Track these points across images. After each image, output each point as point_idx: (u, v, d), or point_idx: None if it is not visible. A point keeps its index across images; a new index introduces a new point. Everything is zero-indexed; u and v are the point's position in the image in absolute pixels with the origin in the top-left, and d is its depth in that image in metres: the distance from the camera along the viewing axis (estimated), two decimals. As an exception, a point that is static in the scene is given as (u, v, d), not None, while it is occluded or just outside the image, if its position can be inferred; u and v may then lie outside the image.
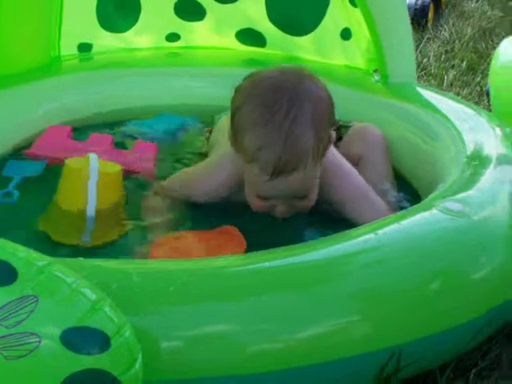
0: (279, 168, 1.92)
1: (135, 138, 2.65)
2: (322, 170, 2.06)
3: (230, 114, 2.05)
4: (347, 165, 2.20)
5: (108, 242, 2.08)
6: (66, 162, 2.18)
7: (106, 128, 2.75)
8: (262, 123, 1.93)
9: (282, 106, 1.93)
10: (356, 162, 2.30)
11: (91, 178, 2.10)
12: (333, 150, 2.17)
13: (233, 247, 1.94)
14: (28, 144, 2.57)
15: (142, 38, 3.06)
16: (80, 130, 2.69)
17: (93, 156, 2.16)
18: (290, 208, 2.07)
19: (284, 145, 1.91)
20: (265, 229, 2.14)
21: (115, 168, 2.21)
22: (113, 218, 2.15)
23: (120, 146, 2.60)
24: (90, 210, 2.09)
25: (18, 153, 2.54)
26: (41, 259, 1.37)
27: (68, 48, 2.99)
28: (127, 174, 2.35)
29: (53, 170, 2.32)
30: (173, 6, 2.99)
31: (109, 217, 2.14)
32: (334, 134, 2.06)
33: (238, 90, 2.05)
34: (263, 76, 2.03)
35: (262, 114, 1.94)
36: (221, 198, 2.21)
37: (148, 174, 2.42)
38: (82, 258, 1.65)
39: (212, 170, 2.24)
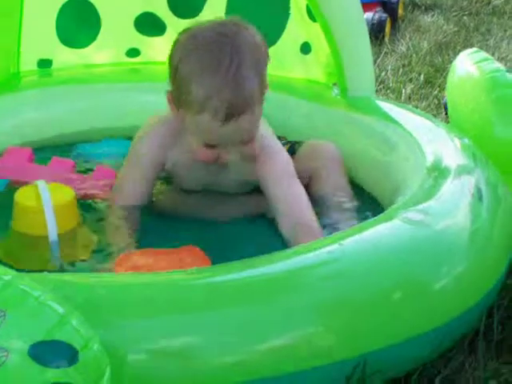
0: (230, 112, 1.99)
1: (96, 163, 2.60)
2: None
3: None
4: (278, 144, 2.27)
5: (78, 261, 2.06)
6: (16, 197, 2.12)
7: (63, 148, 2.74)
8: (207, 72, 2.01)
9: (226, 55, 2.01)
10: (310, 175, 2.33)
11: (45, 207, 2.04)
12: (268, 129, 2.27)
13: (197, 265, 1.94)
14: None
15: (102, 53, 3.05)
16: (41, 150, 2.67)
17: (41, 185, 2.10)
18: (235, 155, 2.12)
19: (232, 90, 1.99)
20: (228, 246, 2.16)
21: (68, 194, 2.16)
22: (76, 241, 2.14)
23: (80, 170, 2.56)
24: (52, 236, 2.05)
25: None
26: (6, 273, 1.37)
27: (28, 64, 2.98)
28: (86, 199, 2.35)
29: (13, 191, 2.27)
30: (133, 21, 3.00)
31: (71, 240, 2.12)
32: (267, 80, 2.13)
33: (176, 44, 2.11)
34: (201, 28, 2.10)
35: (206, 63, 2.02)
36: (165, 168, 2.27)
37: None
38: (46, 272, 1.65)
39: (143, 142, 2.28)
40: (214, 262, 1.91)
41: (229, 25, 2.09)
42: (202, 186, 2.32)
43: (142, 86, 2.95)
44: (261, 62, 2.08)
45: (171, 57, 2.10)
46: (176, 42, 2.11)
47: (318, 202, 2.26)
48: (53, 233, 2.04)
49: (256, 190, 2.31)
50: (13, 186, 2.35)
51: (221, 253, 2.01)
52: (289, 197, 2.16)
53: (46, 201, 2.05)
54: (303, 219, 2.11)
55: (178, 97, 2.08)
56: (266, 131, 2.23)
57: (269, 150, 2.21)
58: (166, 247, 2.03)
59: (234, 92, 1.99)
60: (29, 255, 2.09)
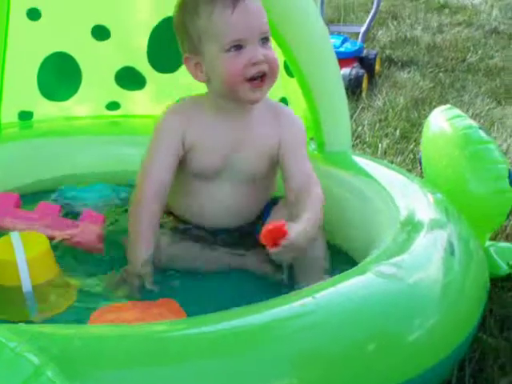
0: None
1: (83, 208, 2.63)
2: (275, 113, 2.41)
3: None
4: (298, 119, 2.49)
5: (56, 314, 2.07)
6: None
7: (45, 195, 2.75)
8: None
9: None
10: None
11: (18, 259, 2.08)
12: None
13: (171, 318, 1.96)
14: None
15: (82, 106, 3.09)
16: (28, 197, 2.70)
17: (14, 236, 2.14)
18: (263, 57, 2.23)
19: None
20: (206, 298, 2.18)
21: (42, 244, 2.19)
22: (53, 293, 2.15)
23: (68, 215, 2.60)
24: (26, 287, 2.08)
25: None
26: (-18, 324, 1.39)
27: (9, 116, 3.01)
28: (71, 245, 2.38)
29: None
30: (114, 75, 3.04)
31: (49, 290, 2.13)
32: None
33: (174, 15, 2.34)
34: None
35: None
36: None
37: (94, 248, 2.43)
38: (22, 324, 1.66)
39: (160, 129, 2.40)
40: (190, 314, 1.92)
41: None
42: (222, 161, 2.37)
43: (122, 138, 2.99)
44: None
45: (175, 22, 2.33)
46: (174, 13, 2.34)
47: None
48: (26, 283, 2.06)
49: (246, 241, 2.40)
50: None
51: (198, 304, 2.05)
52: (300, 167, 2.37)
53: (19, 252, 2.08)
54: (309, 186, 2.32)
55: (194, 35, 2.26)
56: None
57: (289, 113, 2.46)
58: (145, 299, 2.06)
59: None
60: (5, 306, 2.09)
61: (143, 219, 2.30)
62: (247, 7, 2.22)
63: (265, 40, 2.25)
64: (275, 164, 2.42)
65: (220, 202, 2.41)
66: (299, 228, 2.10)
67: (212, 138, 2.36)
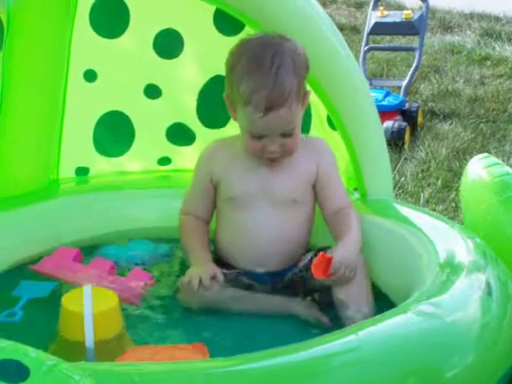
0: (269, 105, 2.36)
1: (135, 265, 2.73)
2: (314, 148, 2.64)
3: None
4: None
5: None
6: (63, 299, 2.19)
7: (102, 249, 2.86)
8: (252, 73, 2.38)
9: (268, 57, 2.39)
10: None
11: (85, 311, 2.12)
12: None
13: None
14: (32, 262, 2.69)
15: (135, 162, 3.19)
16: (87, 251, 2.81)
17: (86, 290, 2.19)
18: (279, 148, 2.46)
19: (271, 87, 2.36)
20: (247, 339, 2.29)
21: (111, 303, 2.20)
22: (116, 347, 2.17)
23: (118, 271, 2.68)
24: (89, 342, 2.11)
25: (23, 269, 2.66)
26: (49, 359, 1.51)
27: (66, 171, 3.13)
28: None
29: (63, 290, 2.45)
30: (165, 132, 3.15)
31: (111, 346, 2.16)
32: (309, 93, 2.52)
33: (230, 52, 2.49)
34: (251, 37, 2.53)
35: (252, 65, 2.39)
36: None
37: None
38: (83, 362, 1.77)
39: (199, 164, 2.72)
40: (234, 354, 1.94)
41: (276, 35, 2.48)
42: (253, 186, 2.57)
43: (172, 191, 3.07)
44: (300, 67, 2.43)
45: (226, 63, 2.49)
46: (232, 50, 2.49)
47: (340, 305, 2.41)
48: (89, 339, 2.11)
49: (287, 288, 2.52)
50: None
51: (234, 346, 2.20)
52: (337, 190, 2.62)
53: (87, 307, 2.13)
54: (346, 207, 2.59)
55: (232, 96, 2.47)
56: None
57: (321, 144, 2.69)
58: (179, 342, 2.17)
59: (272, 89, 2.35)
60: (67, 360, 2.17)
61: (188, 229, 2.65)
62: (276, 116, 2.38)
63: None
64: (312, 191, 2.61)
65: (254, 231, 2.56)
66: (341, 250, 2.36)
67: (241, 169, 2.58)
